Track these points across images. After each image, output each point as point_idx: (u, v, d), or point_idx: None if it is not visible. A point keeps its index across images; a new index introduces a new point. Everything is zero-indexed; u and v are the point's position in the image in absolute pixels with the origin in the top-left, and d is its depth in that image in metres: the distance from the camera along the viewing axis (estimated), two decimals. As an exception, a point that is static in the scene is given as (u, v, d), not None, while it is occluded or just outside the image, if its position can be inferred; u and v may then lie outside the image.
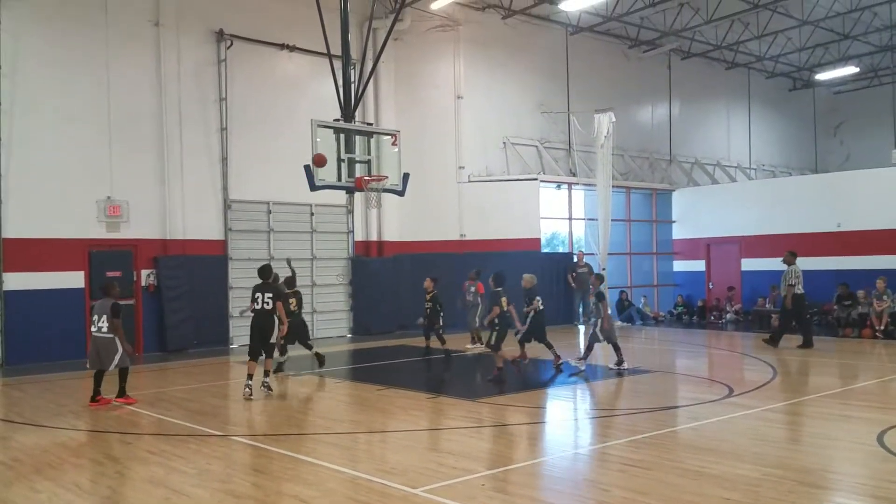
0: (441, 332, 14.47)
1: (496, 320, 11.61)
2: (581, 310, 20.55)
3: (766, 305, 19.71)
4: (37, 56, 14.79)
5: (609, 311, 12.13)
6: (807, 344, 14.80)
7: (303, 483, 6.38)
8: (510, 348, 12.24)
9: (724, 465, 6.55)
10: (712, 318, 21.40)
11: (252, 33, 17.43)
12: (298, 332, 12.63)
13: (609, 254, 21.03)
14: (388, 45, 15.90)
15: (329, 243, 18.74)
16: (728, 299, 21.42)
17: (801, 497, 5.76)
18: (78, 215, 15.12)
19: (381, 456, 7.55)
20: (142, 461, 7.21)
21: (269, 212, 17.75)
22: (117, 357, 9.90)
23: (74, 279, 15.08)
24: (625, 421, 8.64)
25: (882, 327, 16.32)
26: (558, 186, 21.53)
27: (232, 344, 16.66)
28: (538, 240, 20.41)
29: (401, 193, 13.75)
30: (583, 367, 12.14)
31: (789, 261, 15.20)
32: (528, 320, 12.31)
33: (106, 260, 15.45)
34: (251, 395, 10.32)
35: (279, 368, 12.39)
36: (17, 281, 14.40)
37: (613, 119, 20.42)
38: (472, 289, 15.42)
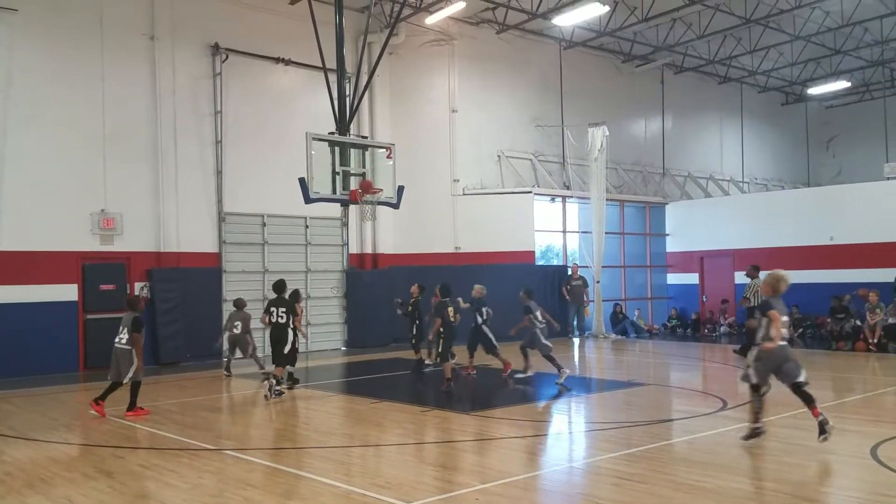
0: (414, 341, 14.40)
1: (441, 331, 11.74)
2: (575, 323, 20.57)
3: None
4: (32, 69, 14.80)
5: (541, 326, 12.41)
6: (742, 351, 15.13)
7: (296, 497, 6.35)
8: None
9: (718, 479, 6.55)
10: (706, 330, 21.42)
11: (247, 47, 17.49)
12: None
13: (603, 267, 21.10)
14: (383, 59, 16.00)
15: (323, 256, 18.74)
16: (722, 312, 21.46)
17: (795, 511, 5.76)
18: (71, 228, 15.10)
19: (375, 470, 7.53)
20: (134, 475, 7.17)
21: (264, 224, 17.75)
22: (132, 370, 10.02)
23: (68, 292, 15.03)
24: (619, 434, 8.63)
25: (875, 340, 16.36)
26: (552, 199, 21.60)
27: (225, 357, 16.57)
28: (532, 252, 20.45)
29: (395, 206, 13.79)
30: (531, 374, 12.54)
31: (752, 274, 15.77)
32: (472, 331, 12.72)
33: (99, 273, 15.41)
34: (279, 395, 11.16)
35: (295, 381, 12.42)
36: (10, 293, 14.33)
37: (607, 133, 20.57)
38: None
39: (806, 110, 31.38)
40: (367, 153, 13.34)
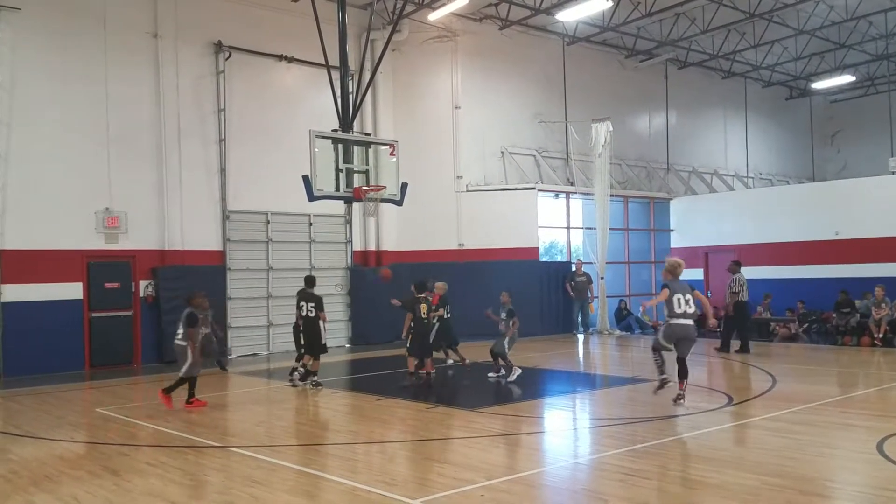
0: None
1: (411, 325, 11.90)
2: (580, 319, 20.55)
3: (763, 314, 19.71)
4: (35, 68, 14.82)
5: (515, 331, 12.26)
6: (744, 349, 15.57)
7: (302, 494, 6.35)
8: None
9: (723, 475, 6.53)
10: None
11: (250, 45, 17.49)
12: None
13: (607, 262, 21.07)
14: (386, 55, 15.96)
15: (327, 253, 18.74)
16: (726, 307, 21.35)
17: (801, 506, 5.74)
18: (76, 227, 15.13)
19: (380, 466, 7.53)
20: (140, 473, 7.19)
21: (268, 222, 17.76)
22: (186, 365, 10.31)
23: (73, 290, 15.07)
24: (624, 430, 8.62)
25: (881, 335, 16.31)
26: (556, 196, 21.56)
27: (230, 355, 16.62)
28: (536, 249, 20.43)
29: (399, 203, 13.76)
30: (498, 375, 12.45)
31: (734, 269, 16.29)
32: (435, 328, 12.80)
33: (104, 271, 15.45)
34: (313, 385, 11.86)
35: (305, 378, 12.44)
36: (16, 292, 14.38)
37: (611, 128, 20.52)
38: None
39: (810, 105, 31.27)
40: (371, 150, 13.31)
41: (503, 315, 12.15)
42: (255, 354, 17.22)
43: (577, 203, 22.20)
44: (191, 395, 10.46)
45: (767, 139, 29.83)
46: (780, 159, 30.28)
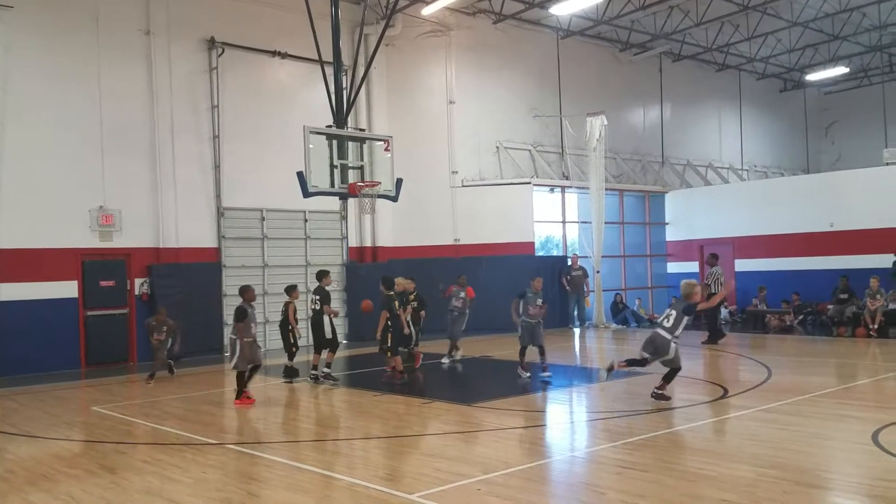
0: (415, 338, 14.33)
1: (388, 323, 11.81)
2: (576, 313, 20.58)
3: (759, 306, 19.76)
4: (28, 66, 14.74)
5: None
6: (711, 340, 16.18)
7: (300, 490, 6.36)
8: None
9: (720, 466, 6.56)
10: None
11: (243, 41, 17.42)
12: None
13: (603, 256, 21.09)
14: (380, 51, 15.95)
15: (323, 250, 18.70)
16: (722, 300, 21.41)
17: (797, 497, 5.77)
18: (71, 225, 15.07)
19: (378, 462, 7.53)
20: (137, 471, 7.18)
21: (263, 219, 17.73)
22: (235, 359, 10.37)
23: (68, 289, 15.02)
24: (620, 423, 8.65)
25: (876, 326, 16.36)
26: (551, 190, 21.56)
27: (226, 352, 16.55)
28: (532, 243, 20.42)
29: (394, 199, 13.76)
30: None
31: (711, 262, 16.68)
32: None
33: (99, 269, 15.40)
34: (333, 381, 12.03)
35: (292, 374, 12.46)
36: (10, 291, 14.32)
37: (605, 122, 20.52)
38: (462, 294, 14.20)
39: (805, 97, 31.31)
40: (365, 146, 13.30)
41: (539, 301, 11.99)
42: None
43: (572, 197, 22.19)
44: (239, 391, 10.44)
45: (762, 131, 29.86)
46: (775, 151, 30.33)
